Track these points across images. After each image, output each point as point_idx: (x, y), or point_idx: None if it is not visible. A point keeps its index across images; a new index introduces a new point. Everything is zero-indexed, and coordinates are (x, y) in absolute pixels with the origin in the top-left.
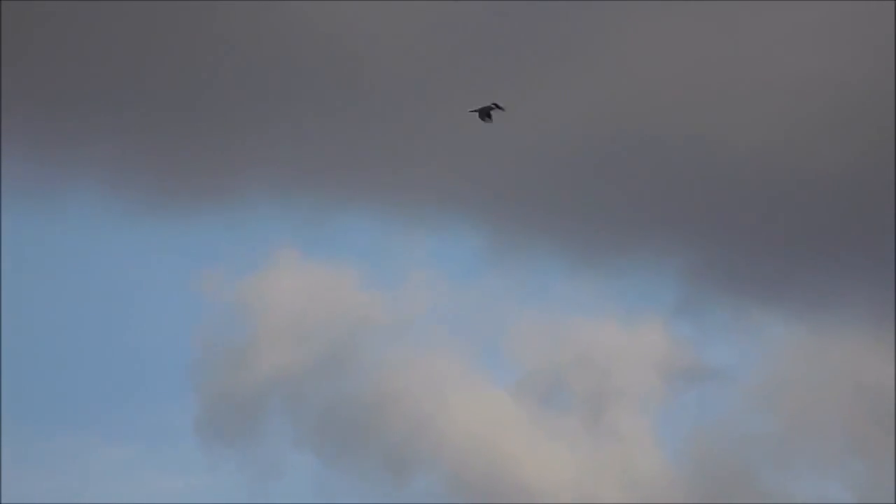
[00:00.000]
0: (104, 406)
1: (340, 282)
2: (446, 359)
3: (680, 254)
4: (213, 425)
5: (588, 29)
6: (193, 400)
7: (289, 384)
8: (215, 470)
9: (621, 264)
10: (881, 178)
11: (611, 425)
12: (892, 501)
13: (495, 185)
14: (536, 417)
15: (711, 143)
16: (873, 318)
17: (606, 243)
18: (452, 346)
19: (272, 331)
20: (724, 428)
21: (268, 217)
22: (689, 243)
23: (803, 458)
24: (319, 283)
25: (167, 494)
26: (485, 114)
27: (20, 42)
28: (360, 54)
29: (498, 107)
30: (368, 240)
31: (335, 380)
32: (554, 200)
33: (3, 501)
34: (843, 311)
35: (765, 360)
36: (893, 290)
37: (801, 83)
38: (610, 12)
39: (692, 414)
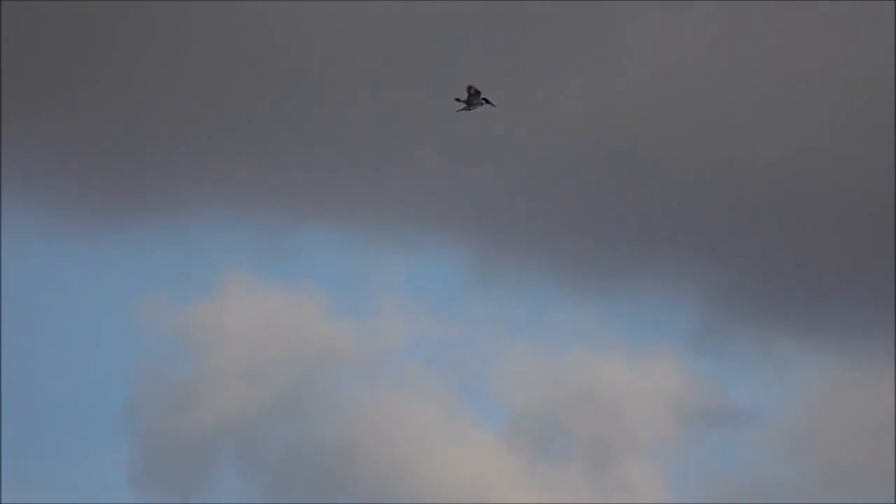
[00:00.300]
0: (24, 454)
1: (302, 309)
2: (425, 398)
3: (696, 276)
4: (152, 477)
5: (586, 25)
6: (129, 447)
7: (241, 428)
8: None
9: (628, 288)
10: None
11: (618, 475)
12: None
13: (481, 199)
14: (530, 466)
15: (729, 147)
16: None
17: (610, 264)
18: (432, 384)
19: (222, 366)
20: (748, 477)
21: (217, 234)
22: (707, 264)
23: None
24: (277, 311)
25: None
26: (471, 104)
27: None
28: (326, 51)
29: (488, 102)
30: (335, 261)
31: (296, 423)
32: (548, 215)
33: (3, 502)
34: (883, 343)
35: (795, 399)
36: None
37: (835, 81)
38: (613, 9)
39: (712, 461)
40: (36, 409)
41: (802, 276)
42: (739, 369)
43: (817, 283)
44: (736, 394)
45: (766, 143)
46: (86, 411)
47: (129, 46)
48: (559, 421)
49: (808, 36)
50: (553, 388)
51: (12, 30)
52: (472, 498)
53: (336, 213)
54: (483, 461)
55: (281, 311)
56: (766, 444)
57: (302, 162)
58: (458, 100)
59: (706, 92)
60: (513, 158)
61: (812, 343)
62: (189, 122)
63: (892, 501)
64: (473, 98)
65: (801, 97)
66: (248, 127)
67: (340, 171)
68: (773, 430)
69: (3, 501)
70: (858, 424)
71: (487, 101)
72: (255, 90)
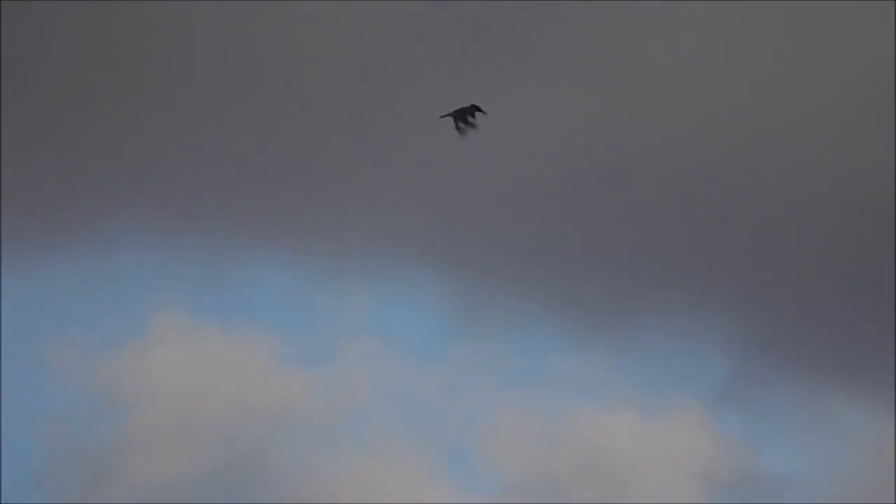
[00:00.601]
0: None
1: (248, 357)
2: (397, 465)
3: (722, 318)
4: None
5: (587, 28)
6: None
7: (174, 501)
8: None
9: (640, 333)
10: None
11: None
12: None
13: (465, 225)
14: None
15: (758, 167)
16: None
17: (619, 304)
18: (406, 447)
19: (151, 426)
20: None
21: (144, 268)
22: (735, 303)
23: None
24: (217, 360)
25: None
26: (462, 119)
27: None
28: (277, 51)
29: (479, 109)
30: (286, 299)
31: (239, 495)
32: (546, 246)
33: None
34: None
35: (842, 467)
36: None
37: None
38: (618, 10)
39: None
40: None
41: (853, 318)
42: (775, 430)
43: (872, 328)
44: (770, 460)
45: (806, 166)
46: None
47: (43, 66)
48: (560, 491)
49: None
50: (552, 452)
51: None
52: None
53: (287, 243)
54: None
55: (222, 359)
56: None
57: (247, 182)
58: (446, 116)
59: (732, 107)
60: (504, 180)
61: (864, 400)
62: (113, 139)
63: None
64: (466, 113)
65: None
66: (182, 142)
67: (293, 193)
68: (816, 501)
69: None
70: None
71: (478, 109)
72: (201, 100)
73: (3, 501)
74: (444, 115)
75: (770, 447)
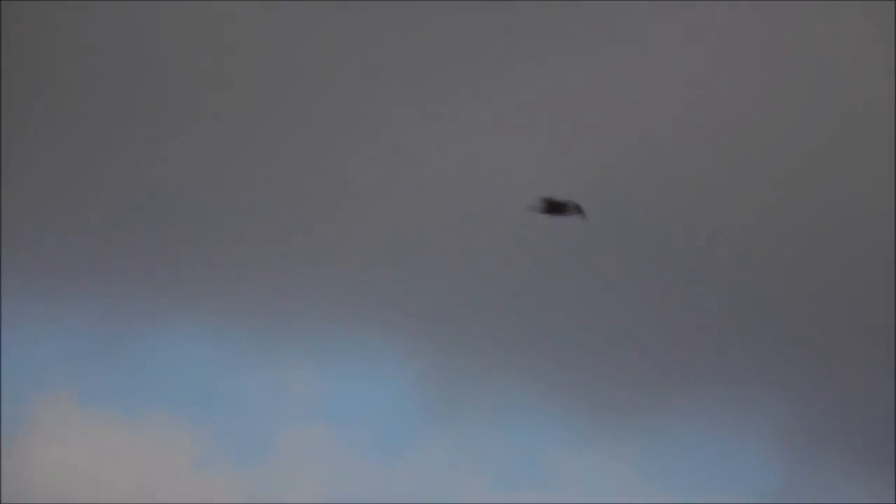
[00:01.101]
0: None
1: (158, 455)
2: None
3: (769, 404)
4: None
5: (591, 27)
6: None
7: None
8: None
9: (664, 423)
10: None
11: None
12: None
13: (439, 288)
14: None
15: (814, 211)
16: None
17: (642, 388)
18: None
19: None
20: None
21: (24, 343)
22: (785, 386)
23: None
24: (119, 458)
25: None
26: (555, 211)
27: None
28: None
29: (578, 210)
30: (206, 379)
31: None
32: (548, 313)
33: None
34: None
35: None
36: None
37: None
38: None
39: None
40: None
41: None
42: None
43: None
44: None
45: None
46: None
47: None
48: None
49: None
50: None
51: None
52: None
53: (211, 304)
54: None
55: (124, 458)
56: None
57: (156, 237)
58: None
59: (762, 144)
60: (497, 224)
61: None
62: None
63: None
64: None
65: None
66: (70, 191)
67: (215, 248)
68: None
69: None
70: None
71: (578, 210)
72: (86, 130)
73: (3, 501)
74: (536, 209)
75: None
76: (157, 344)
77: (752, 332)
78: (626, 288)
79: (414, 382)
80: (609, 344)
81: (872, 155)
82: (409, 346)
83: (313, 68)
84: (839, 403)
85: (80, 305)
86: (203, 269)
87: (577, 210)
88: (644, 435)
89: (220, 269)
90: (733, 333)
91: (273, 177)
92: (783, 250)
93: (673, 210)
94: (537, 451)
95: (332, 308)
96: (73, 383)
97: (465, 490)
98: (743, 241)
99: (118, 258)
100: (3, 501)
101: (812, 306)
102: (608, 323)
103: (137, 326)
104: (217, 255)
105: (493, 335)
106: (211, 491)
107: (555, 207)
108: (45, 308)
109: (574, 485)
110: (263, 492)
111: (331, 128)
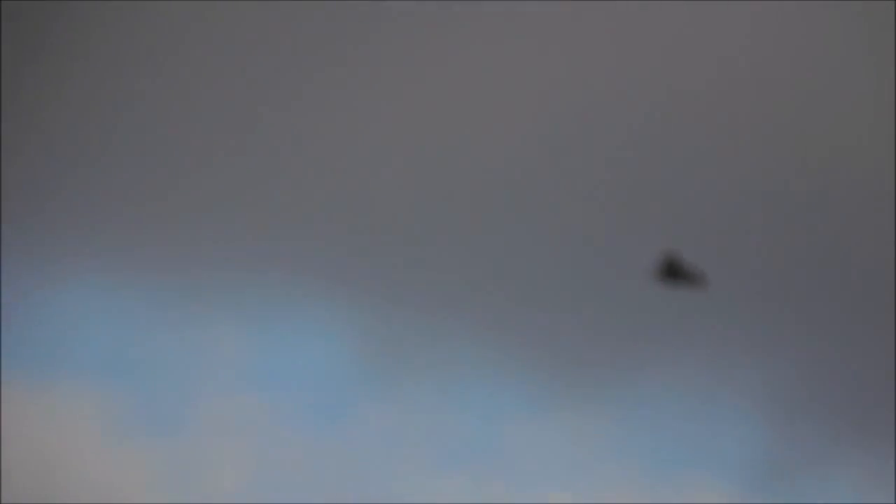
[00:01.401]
0: None
1: (60, 425)
2: None
3: (755, 375)
4: None
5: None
6: None
7: None
8: None
9: (640, 391)
10: None
11: None
12: None
13: (384, 235)
14: None
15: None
16: None
17: (611, 354)
18: None
19: None
20: None
21: None
22: (768, 353)
23: None
24: (14, 428)
25: None
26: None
27: None
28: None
29: (686, 274)
30: (117, 341)
31: None
32: (505, 265)
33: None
34: None
35: None
36: None
37: None
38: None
39: None
40: None
41: None
42: None
43: None
44: None
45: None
46: None
47: None
48: None
49: None
50: None
51: None
52: None
53: (119, 255)
54: None
55: (22, 428)
56: None
57: (58, 163)
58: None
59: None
60: (449, 163)
61: None
62: None
63: None
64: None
65: None
66: None
67: (130, 181)
68: None
69: None
70: None
71: (686, 274)
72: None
73: (3, 501)
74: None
75: None
76: (56, 300)
77: (730, 295)
78: (594, 243)
79: (354, 344)
80: (574, 304)
81: (873, 155)
82: (349, 302)
83: None
84: (824, 371)
85: None
86: (112, 214)
87: (701, 280)
88: (611, 405)
89: (133, 213)
90: (710, 295)
91: (205, 116)
92: (762, 215)
93: (650, 169)
94: (491, 423)
95: (263, 259)
96: None
97: (409, 464)
98: (723, 209)
99: (13, 196)
100: None
101: (794, 271)
102: (573, 281)
103: (33, 277)
104: (128, 195)
105: (444, 291)
106: (123, 467)
107: (676, 272)
108: None
109: (532, 460)
110: (183, 467)
111: (272, 76)
